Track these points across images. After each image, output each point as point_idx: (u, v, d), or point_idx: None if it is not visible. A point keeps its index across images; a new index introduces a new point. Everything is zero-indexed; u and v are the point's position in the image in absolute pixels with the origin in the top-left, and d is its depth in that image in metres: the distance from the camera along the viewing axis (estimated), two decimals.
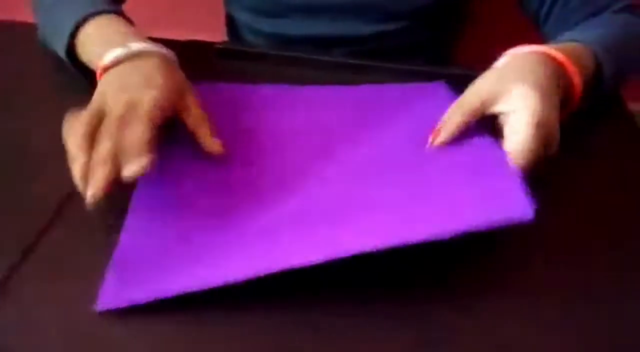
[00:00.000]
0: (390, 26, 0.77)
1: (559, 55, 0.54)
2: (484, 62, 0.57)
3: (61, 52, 0.61)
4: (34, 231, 0.46)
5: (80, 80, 0.61)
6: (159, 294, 0.41)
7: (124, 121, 0.47)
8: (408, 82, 0.64)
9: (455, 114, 0.51)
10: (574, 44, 0.59)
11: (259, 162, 0.53)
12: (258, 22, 0.81)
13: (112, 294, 0.41)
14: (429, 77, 0.65)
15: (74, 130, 0.46)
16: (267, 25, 0.80)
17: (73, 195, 0.48)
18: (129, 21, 0.61)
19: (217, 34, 0.86)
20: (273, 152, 0.55)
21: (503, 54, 0.56)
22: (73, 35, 0.59)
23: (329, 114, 0.59)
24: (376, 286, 0.43)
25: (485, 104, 0.50)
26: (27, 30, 0.69)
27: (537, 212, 0.41)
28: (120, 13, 0.61)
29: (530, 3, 0.72)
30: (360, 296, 0.43)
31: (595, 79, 0.59)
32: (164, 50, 0.56)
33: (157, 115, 0.49)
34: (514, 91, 0.49)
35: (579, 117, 0.58)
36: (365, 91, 0.63)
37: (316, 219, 0.47)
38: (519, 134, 0.47)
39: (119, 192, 0.49)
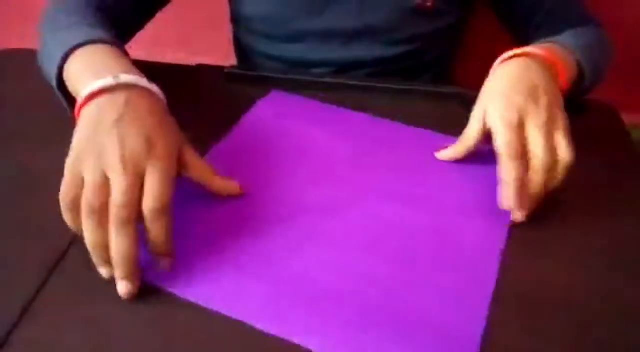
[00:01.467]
0: (401, 49, 0.80)
1: (546, 54, 0.58)
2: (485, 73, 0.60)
3: (53, 82, 0.57)
4: (55, 253, 0.48)
5: None
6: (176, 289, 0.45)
7: (132, 210, 0.43)
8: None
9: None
10: (555, 45, 0.62)
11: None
12: (271, 47, 0.82)
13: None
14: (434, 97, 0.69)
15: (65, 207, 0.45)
16: (280, 50, 0.82)
17: None
18: (124, 51, 0.57)
19: (222, 56, 0.88)
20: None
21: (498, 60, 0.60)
22: (62, 66, 0.55)
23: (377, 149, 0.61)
24: None
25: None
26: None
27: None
28: (114, 42, 0.56)
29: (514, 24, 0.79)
30: None
31: (577, 81, 0.63)
32: (154, 88, 0.51)
33: (170, 191, 0.45)
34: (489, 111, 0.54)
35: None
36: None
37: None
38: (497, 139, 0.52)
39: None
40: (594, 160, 0.60)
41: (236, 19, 0.87)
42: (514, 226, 0.52)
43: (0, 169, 0.57)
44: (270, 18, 0.79)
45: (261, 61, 0.86)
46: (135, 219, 0.43)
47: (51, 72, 0.56)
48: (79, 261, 0.47)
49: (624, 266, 0.50)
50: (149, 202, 0.44)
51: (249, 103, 0.65)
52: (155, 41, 0.61)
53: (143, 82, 0.50)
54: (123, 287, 0.44)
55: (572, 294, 0.47)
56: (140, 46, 0.70)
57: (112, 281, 0.45)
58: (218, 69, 0.72)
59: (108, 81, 0.49)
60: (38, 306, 0.44)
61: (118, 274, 0.44)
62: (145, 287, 0.45)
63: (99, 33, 0.57)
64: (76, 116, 0.50)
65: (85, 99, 0.49)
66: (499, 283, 0.47)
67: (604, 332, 0.44)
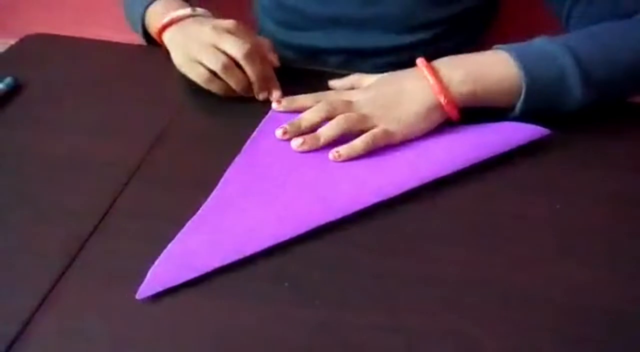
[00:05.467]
0: (416, 36, 0.78)
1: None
2: None
3: (136, 27, 0.74)
4: (77, 241, 0.47)
5: (115, 92, 0.64)
6: (199, 271, 0.45)
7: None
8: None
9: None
10: (500, 49, 0.59)
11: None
12: (287, 35, 0.83)
13: (153, 281, 0.44)
14: None
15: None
16: (296, 38, 0.82)
17: (113, 207, 0.51)
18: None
19: None
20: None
21: None
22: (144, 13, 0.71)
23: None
24: None
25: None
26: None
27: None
28: None
29: (554, 3, 0.70)
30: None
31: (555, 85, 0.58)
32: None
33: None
34: None
35: (610, 130, 0.60)
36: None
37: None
38: None
39: (154, 206, 0.51)
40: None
41: (256, 8, 0.88)
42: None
43: (22, 156, 0.57)
44: (286, 5, 0.79)
45: (280, 50, 0.85)
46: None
47: (135, 12, 0.74)
48: (100, 249, 0.47)
49: None
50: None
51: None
52: None
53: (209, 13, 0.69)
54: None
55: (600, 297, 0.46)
56: None
57: (132, 269, 0.44)
58: None
59: (187, 11, 0.67)
60: (58, 292, 0.44)
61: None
62: (165, 280, 0.45)
63: None
64: (157, 36, 0.69)
65: (168, 22, 0.67)
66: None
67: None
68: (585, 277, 0.46)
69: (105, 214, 0.50)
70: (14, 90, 0.65)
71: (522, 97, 0.57)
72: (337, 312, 0.43)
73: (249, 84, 0.63)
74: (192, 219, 0.49)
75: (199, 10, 0.68)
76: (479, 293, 0.45)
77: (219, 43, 0.61)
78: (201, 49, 0.62)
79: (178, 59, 0.64)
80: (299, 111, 0.60)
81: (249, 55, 0.61)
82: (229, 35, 0.62)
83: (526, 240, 0.49)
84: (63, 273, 0.45)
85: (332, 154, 0.55)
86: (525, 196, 0.53)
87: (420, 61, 0.59)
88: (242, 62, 0.61)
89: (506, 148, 0.56)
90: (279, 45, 0.85)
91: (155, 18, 0.70)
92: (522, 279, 0.46)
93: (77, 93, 0.66)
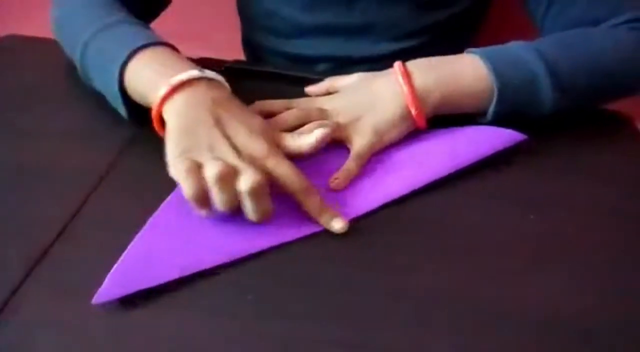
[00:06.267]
0: (404, 44, 0.78)
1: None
2: None
3: (109, 85, 0.56)
4: (38, 251, 0.46)
5: (87, 97, 0.61)
6: (158, 280, 0.43)
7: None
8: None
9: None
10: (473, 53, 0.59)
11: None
12: (275, 42, 0.82)
13: (111, 286, 0.43)
14: None
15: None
16: (284, 45, 0.81)
17: (78, 215, 0.49)
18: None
19: (231, 52, 0.87)
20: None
21: None
22: (123, 66, 0.54)
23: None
24: None
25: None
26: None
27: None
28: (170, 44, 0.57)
29: (530, 5, 0.71)
30: None
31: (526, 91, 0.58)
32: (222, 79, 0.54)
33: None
34: None
35: (585, 137, 0.60)
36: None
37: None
38: None
39: (122, 214, 0.50)
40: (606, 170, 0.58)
41: (242, 15, 0.87)
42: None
43: None
44: (275, 14, 0.78)
45: (267, 57, 0.85)
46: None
47: (107, 70, 0.55)
48: (62, 258, 0.46)
49: None
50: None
51: (248, 98, 0.63)
52: (167, 36, 0.60)
53: (218, 75, 0.53)
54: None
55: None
56: None
57: (95, 280, 0.43)
58: (219, 63, 0.71)
59: (193, 73, 0.51)
60: (15, 304, 0.42)
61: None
62: (123, 286, 0.43)
63: (149, 33, 0.58)
64: (157, 108, 0.51)
65: (169, 91, 0.50)
66: None
67: None
68: (559, 289, 0.46)
69: (69, 222, 0.49)
70: None
71: (495, 99, 0.57)
72: (302, 327, 0.42)
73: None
74: (152, 217, 0.48)
75: (208, 72, 0.53)
76: (448, 307, 0.44)
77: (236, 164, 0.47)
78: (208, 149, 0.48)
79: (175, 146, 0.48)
80: (268, 116, 0.58)
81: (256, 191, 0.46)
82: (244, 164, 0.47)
83: (498, 252, 0.49)
84: (21, 284, 0.43)
85: (331, 184, 0.53)
86: (498, 205, 0.53)
87: (397, 65, 0.58)
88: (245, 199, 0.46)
89: (482, 156, 0.55)
90: (266, 52, 0.84)
91: (145, 76, 0.53)
92: (493, 292, 0.45)
93: (46, 97, 0.64)
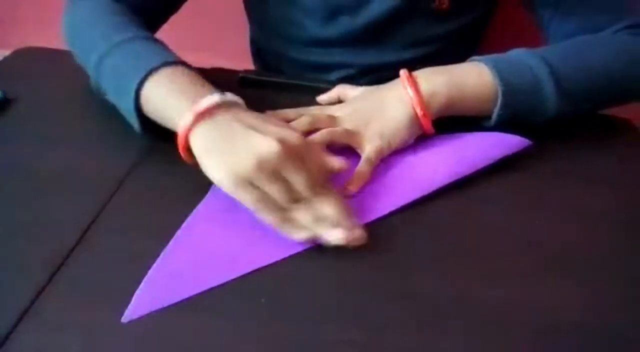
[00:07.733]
0: (414, 53, 0.79)
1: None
2: None
3: (125, 102, 0.56)
4: (59, 256, 0.47)
5: (104, 106, 0.62)
6: (183, 295, 0.44)
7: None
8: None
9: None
10: (475, 61, 0.60)
11: None
12: (293, 50, 0.83)
13: (139, 304, 0.44)
14: None
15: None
16: (301, 54, 0.82)
17: (97, 221, 0.50)
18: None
19: (239, 60, 0.88)
20: None
21: None
22: (139, 87, 0.54)
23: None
24: None
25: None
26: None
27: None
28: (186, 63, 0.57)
29: (533, 10, 0.72)
30: None
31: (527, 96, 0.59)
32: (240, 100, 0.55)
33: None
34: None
35: (589, 143, 0.61)
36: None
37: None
38: None
39: (140, 220, 0.51)
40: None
41: (256, 23, 0.88)
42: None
43: (6, 169, 0.57)
44: (294, 24, 0.79)
45: (281, 64, 0.86)
46: None
47: (123, 88, 0.56)
48: (82, 265, 0.47)
49: None
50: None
51: (263, 108, 0.64)
52: (176, 44, 0.61)
53: (237, 98, 0.54)
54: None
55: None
56: None
57: (114, 286, 0.44)
58: (233, 73, 0.72)
59: (215, 99, 0.51)
60: (38, 308, 0.43)
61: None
62: (150, 304, 0.44)
63: (164, 51, 0.58)
64: (184, 136, 0.50)
65: (194, 120, 0.50)
66: None
67: None
68: (565, 292, 0.46)
69: (88, 229, 0.50)
70: (4, 104, 0.65)
71: (499, 104, 0.58)
72: (316, 329, 0.43)
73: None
74: (176, 236, 0.49)
75: (229, 96, 0.53)
76: (456, 310, 0.45)
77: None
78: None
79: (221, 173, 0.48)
80: None
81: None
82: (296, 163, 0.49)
83: (505, 256, 0.49)
84: (43, 288, 0.45)
85: (345, 191, 0.54)
86: (504, 211, 0.54)
87: (403, 72, 0.60)
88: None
89: (489, 162, 0.56)
90: (280, 59, 0.85)
91: (165, 100, 0.53)
92: (500, 295, 0.46)
93: (64, 107, 0.66)
